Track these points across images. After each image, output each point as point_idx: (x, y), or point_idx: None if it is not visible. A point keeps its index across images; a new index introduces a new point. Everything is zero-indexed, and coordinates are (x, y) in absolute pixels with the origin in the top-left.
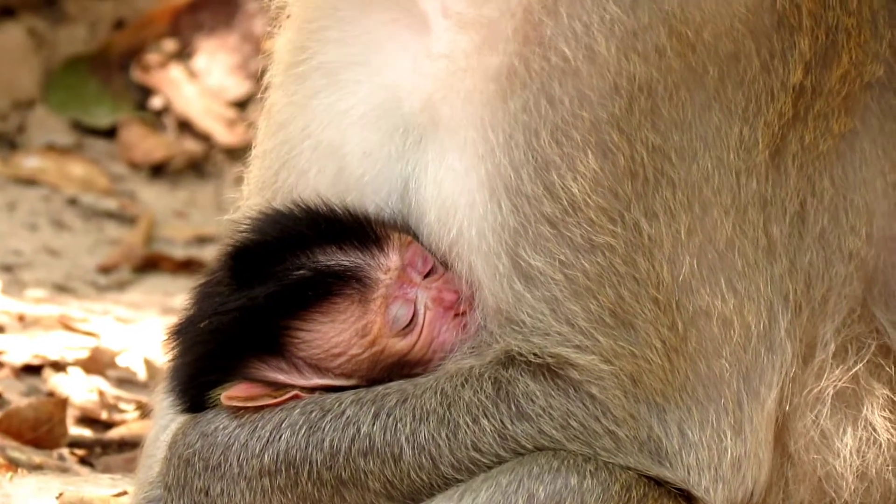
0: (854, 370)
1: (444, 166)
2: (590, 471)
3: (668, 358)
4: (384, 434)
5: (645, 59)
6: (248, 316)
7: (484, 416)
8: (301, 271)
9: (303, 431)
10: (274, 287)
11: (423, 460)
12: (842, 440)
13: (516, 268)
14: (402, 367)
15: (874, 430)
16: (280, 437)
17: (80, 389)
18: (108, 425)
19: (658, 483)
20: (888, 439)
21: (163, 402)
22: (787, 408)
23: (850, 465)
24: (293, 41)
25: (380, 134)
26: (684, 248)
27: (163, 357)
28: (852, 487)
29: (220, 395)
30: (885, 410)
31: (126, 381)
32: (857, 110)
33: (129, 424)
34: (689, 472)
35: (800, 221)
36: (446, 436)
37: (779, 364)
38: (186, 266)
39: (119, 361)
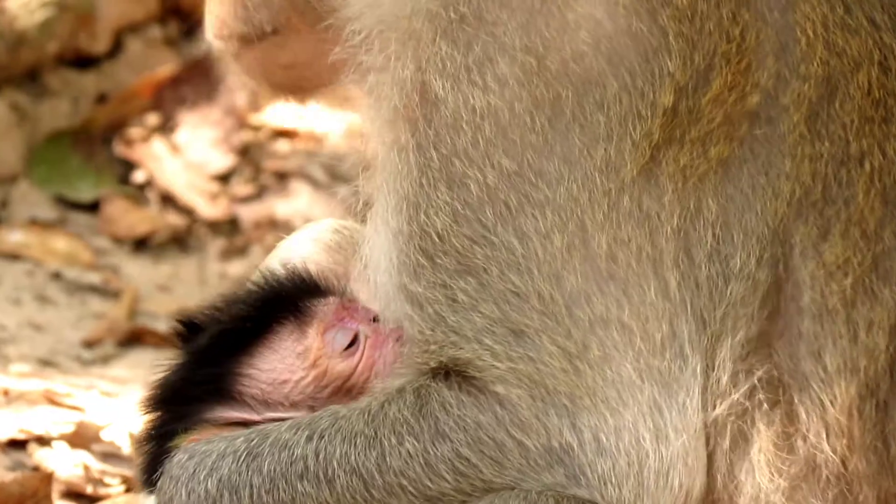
0: (745, 404)
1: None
2: None
3: (569, 363)
4: (317, 456)
5: (485, 90)
6: (195, 366)
7: (408, 436)
8: (240, 316)
9: (243, 458)
10: (215, 330)
11: (355, 483)
12: (738, 476)
13: (404, 294)
14: (347, 393)
15: (756, 473)
16: (222, 465)
17: (65, 464)
18: (94, 499)
19: None
20: (768, 485)
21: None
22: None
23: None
24: None
25: None
26: (566, 263)
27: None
28: None
29: (182, 441)
30: (767, 454)
31: (111, 456)
32: (738, 138)
33: (114, 499)
34: (605, 484)
35: (685, 237)
36: (375, 459)
37: (690, 373)
38: (170, 340)
39: (104, 436)
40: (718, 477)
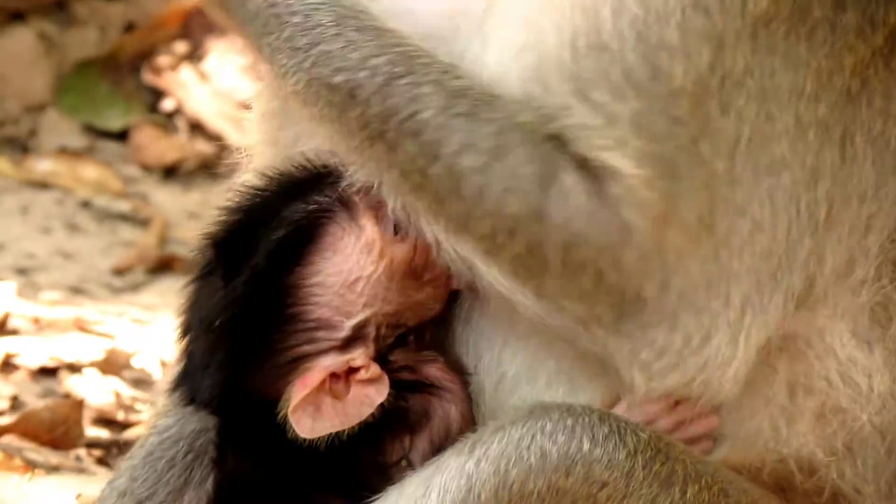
0: (888, 288)
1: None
2: (603, 435)
3: (700, 226)
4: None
5: None
6: (258, 288)
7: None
8: (284, 225)
9: (379, 80)
10: (269, 248)
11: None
12: (870, 357)
13: (579, 96)
14: (415, 276)
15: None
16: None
17: (96, 391)
18: (125, 426)
19: (667, 446)
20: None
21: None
22: (806, 330)
23: (879, 382)
24: None
25: None
26: (743, 148)
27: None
28: (878, 405)
29: (286, 412)
30: None
31: (142, 382)
32: None
33: (145, 425)
34: (649, 348)
35: (882, 144)
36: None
37: (789, 287)
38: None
39: (134, 363)
40: (841, 353)
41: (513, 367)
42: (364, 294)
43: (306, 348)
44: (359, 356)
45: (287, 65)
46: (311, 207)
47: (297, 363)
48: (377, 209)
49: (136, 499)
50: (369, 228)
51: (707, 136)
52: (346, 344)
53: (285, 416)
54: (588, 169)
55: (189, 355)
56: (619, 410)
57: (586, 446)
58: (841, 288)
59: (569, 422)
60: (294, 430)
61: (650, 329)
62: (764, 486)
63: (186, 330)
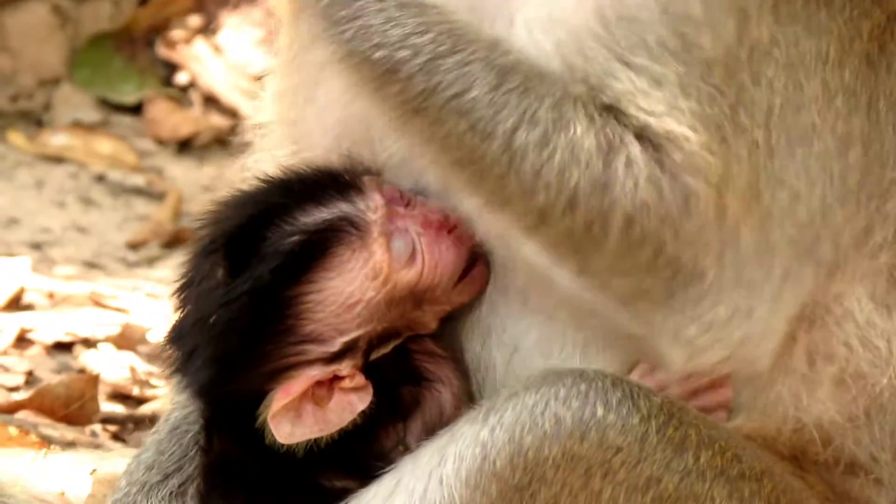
0: None
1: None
2: (616, 400)
3: (751, 194)
4: (490, 108)
5: None
6: (258, 298)
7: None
8: (294, 237)
9: (422, 59)
10: (275, 261)
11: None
12: (889, 320)
13: (621, 61)
14: (415, 298)
15: None
16: (404, 43)
17: (111, 366)
18: (140, 401)
19: (680, 411)
20: None
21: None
22: (829, 296)
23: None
24: None
25: None
26: (777, 119)
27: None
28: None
29: (265, 417)
30: None
31: (157, 357)
32: None
33: (160, 400)
34: (697, 323)
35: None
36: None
37: (821, 256)
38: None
39: (149, 337)
40: (860, 317)
41: (526, 339)
42: (360, 315)
43: (294, 359)
44: (345, 367)
45: (326, 33)
46: (325, 222)
47: (284, 372)
48: (390, 231)
49: (163, 472)
50: (378, 255)
51: (743, 105)
52: (335, 357)
53: (264, 421)
54: (648, 138)
55: (180, 342)
56: (634, 377)
57: (600, 411)
58: (859, 253)
59: (582, 387)
60: (272, 436)
61: (701, 303)
62: (779, 456)
63: (180, 315)
